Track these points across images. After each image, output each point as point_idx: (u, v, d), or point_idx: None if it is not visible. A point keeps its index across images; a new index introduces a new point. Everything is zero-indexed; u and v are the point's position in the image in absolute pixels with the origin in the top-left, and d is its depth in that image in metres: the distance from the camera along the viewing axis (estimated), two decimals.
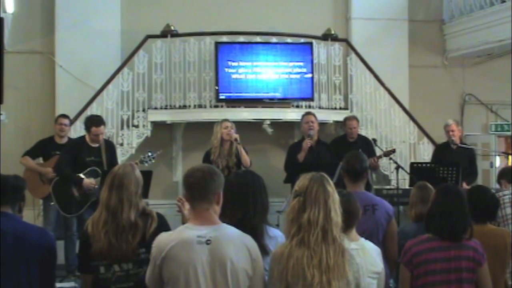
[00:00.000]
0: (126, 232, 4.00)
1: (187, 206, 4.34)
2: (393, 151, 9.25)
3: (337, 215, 3.54)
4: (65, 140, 8.92)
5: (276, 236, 3.99)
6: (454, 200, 4.39)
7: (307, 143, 8.90)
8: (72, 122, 9.52)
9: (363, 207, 4.96)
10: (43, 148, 8.97)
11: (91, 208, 7.88)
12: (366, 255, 3.91)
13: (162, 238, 3.60)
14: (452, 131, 9.34)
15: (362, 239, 4.08)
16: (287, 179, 9.04)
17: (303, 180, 3.60)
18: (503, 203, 6.51)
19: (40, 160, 9.06)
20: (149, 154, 8.38)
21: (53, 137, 8.99)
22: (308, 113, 9.35)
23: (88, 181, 7.97)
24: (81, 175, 8.02)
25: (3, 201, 3.97)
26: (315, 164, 8.48)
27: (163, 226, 4.04)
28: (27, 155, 8.94)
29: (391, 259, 5.03)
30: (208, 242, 3.49)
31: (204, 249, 3.49)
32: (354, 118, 9.77)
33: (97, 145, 8.15)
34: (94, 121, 8.22)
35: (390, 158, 9.04)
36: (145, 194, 5.73)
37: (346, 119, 9.77)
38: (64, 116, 9.03)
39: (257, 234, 3.83)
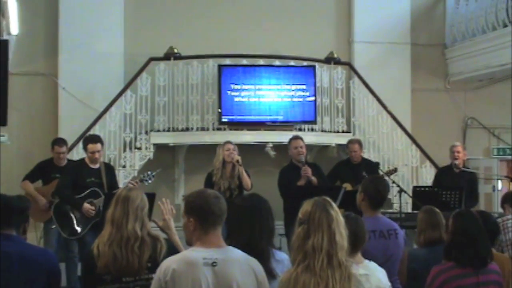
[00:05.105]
0: (132, 243, 3.97)
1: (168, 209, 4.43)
2: (395, 170, 9.20)
3: (342, 238, 3.50)
4: (64, 162, 8.89)
5: (283, 260, 3.97)
6: (474, 226, 4.39)
7: (305, 172, 8.70)
8: (74, 144, 9.53)
9: (387, 232, 4.95)
10: (42, 171, 8.92)
11: (92, 230, 7.85)
12: (373, 279, 3.89)
13: (167, 261, 3.57)
14: (458, 152, 9.30)
15: (367, 261, 4.06)
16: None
17: (306, 206, 3.57)
18: (506, 227, 6.49)
19: (40, 183, 9.01)
20: (149, 172, 8.38)
21: (52, 159, 8.93)
22: (296, 137, 9.15)
23: (88, 207, 7.91)
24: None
25: (7, 223, 3.94)
26: (312, 188, 8.43)
27: (173, 251, 3.98)
28: (26, 179, 8.89)
29: (401, 282, 5.04)
30: (214, 264, 3.47)
31: (210, 271, 3.46)
32: (357, 141, 9.75)
33: (97, 166, 8.12)
34: (91, 139, 8.26)
35: (393, 182, 9.01)
36: (148, 216, 5.70)
37: (348, 142, 9.78)
38: (59, 144, 8.86)
39: (264, 258, 3.81)
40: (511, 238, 6.47)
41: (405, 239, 5.25)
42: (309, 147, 10.31)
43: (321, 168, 9.25)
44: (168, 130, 10.26)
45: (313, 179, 8.72)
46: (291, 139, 9.15)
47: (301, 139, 9.09)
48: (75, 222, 8.03)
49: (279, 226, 7.65)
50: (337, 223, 3.51)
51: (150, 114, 10.24)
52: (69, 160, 8.99)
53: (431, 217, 5.38)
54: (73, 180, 8.03)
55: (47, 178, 8.86)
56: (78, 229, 8.02)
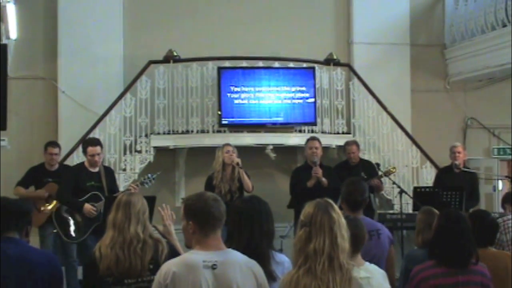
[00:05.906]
0: (134, 245, 4.01)
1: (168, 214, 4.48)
2: (393, 170, 9.17)
3: (344, 240, 3.49)
4: (55, 167, 8.90)
5: (283, 262, 3.98)
6: (457, 226, 4.39)
7: (316, 172, 8.81)
8: (74, 148, 9.53)
9: (368, 233, 4.97)
10: (34, 176, 8.92)
11: (93, 233, 7.83)
12: (375, 282, 3.88)
13: (167, 264, 3.58)
14: (458, 152, 9.31)
15: (367, 263, 4.05)
16: (290, 204, 9.01)
17: (308, 208, 3.56)
18: (506, 227, 6.48)
19: (32, 188, 8.97)
20: (149, 175, 8.35)
21: (44, 164, 8.93)
22: (313, 138, 9.27)
23: (89, 207, 7.89)
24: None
25: (10, 227, 3.94)
26: (323, 189, 8.46)
27: (174, 253, 4.00)
28: (19, 185, 8.88)
29: (390, 282, 5.05)
30: (214, 266, 3.47)
31: (210, 274, 3.46)
32: (354, 143, 9.73)
33: (96, 169, 8.11)
34: (90, 142, 8.23)
35: (394, 183, 9.01)
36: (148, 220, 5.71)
37: (346, 144, 9.76)
38: (53, 145, 8.92)
39: (264, 260, 3.81)
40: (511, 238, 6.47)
41: (390, 238, 5.28)
42: None
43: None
44: (168, 133, 10.24)
45: (324, 180, 8.75)
46: (308, 140, 9.27)
47: (318, 140, 9.20)
48: (76, 226, 8.02)
49: (279, 228, 7.64)
50: (339, 225, 3.50)
51: (150, 117, 10.22)
52: (62, 164, 9.00)
53: (429, 217, 5.38)
54: (73, 184, 8.02)
55: (39, 183, 8.86)
56: (79, 234, 8.00)
